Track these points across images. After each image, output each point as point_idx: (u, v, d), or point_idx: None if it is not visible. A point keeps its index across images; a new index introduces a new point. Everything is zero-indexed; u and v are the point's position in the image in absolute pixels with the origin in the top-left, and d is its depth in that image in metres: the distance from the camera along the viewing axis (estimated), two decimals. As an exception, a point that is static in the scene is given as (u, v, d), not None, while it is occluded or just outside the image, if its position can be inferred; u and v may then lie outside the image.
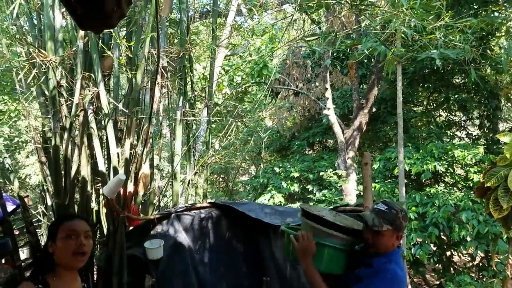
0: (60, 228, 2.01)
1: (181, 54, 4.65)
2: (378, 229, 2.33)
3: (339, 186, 10.05)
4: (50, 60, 3.70)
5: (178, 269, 4.24)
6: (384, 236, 2.34)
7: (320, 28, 10.38)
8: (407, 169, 8.44)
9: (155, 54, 4.20)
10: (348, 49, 10.41)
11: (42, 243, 4.65)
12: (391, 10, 4.10)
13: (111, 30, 4.07)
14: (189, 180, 4.88)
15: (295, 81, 12.34)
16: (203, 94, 5.46)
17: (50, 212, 4.71)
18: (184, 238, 4.37)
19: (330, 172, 9.98)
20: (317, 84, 12.19)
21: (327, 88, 10.38)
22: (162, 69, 4.39)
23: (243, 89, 11.62)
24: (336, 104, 11.75)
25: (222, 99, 10.11)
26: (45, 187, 4.42)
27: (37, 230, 4.42)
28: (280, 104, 12.71)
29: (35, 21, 4.33)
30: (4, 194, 4.42)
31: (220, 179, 14.32)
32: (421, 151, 8.90)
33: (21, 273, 4.34)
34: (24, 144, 10.62)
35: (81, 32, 3.97)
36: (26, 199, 4.46)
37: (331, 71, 11.69)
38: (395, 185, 8.80)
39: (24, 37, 4.15)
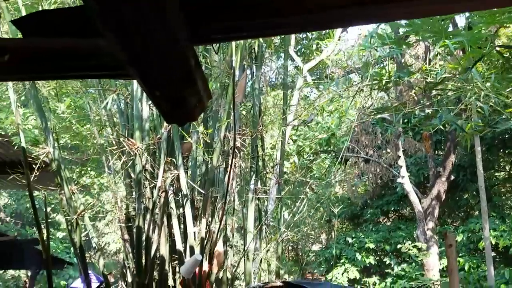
0: None
1: (254, 135, 4.89)
2: None
3: (420, 260, 9.41)
4: (138, 147, 4.07)
5: None
6: None
7: (388, 95, 10.35)
8: (494, 242, 7.77)
9: (230, 137, 4.45)
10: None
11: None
12: (464, 85, 4.05)
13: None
14: (261, 258, 4.89)
15: (364, 148, 12.18)
16: (274, 171, 5.61)
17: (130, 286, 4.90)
18: (257, 317, 4.32)
19: (409, 244, 9.41)
20: (388, 150, 11.95)
21: (399, 156, 10.10)
22: (236, 150, 4.61)
23: (311, 158, 11.68)
24: (411, 171, 11.34)
25: (290, 168, 10.19)
26: (126, 264, 4.64)
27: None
28: (350, 170, 12.53)
29: (122, 108, 4.82)
30: (90, 271, 4.73)
31: (290, 247, 14.01)
32: (507, 221, 8.20)
33: None
34: (105, 214, 11.30)
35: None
36: (109, 276, 4.71)
37: (403, 139, 11.44)
38: (482, 260, 8.10)
39: (116, 128, 4.63)
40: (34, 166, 4.24)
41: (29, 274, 6.90)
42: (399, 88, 8.83)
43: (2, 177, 5.44)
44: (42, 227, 4.55)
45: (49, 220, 9.82)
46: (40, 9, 4.59)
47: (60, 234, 12.20)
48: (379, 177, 11.96)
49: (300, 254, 13.30)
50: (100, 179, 9.71)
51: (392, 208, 12.06)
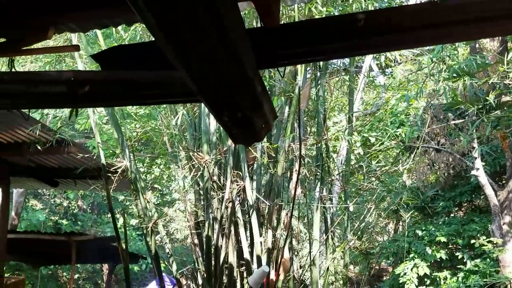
0: None
1: (319, 143, 4.86)
2: None
3: (495, 256, 8.90)
4: (206, 160, 4.23)
5: None
6: None
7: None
8: None
9: (295, 147, 4.47)
10: (496, 101, 9.50)
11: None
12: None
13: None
14: (327, 267, 4.91)
15: (435, 136, 11.59)
16: (339, 178, 5.54)
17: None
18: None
19: (483, 239, 8.92)
20: (461, 139, 11.27)
21: (474, 147, 9.51)
22: (300, 158, 4.62)
23: (378, 148, 11.34)
24: (486, 160, 10.63)
25: (355, 159, 9.98)
26: (196, 267, 4.90)
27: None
28: (419, 159, 12.01)
29: (190, 122, 5.00)
30: (163, 274, 5.04)
31: (355, 242, 13.82)
32: None
33: None
34: (173, 202, 11.75)
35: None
36: (181, 279, 5.00)
37: (477, 126, 10.72)
38: None
39: (185, 143, 4.84)
40: (112, 176, 4.56)
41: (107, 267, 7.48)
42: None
43: (82, 181, 5.92)
44: (118, 224, 4.91)
45: (125, 210, 10.52)
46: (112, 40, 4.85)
47: (133, 221, 12.93)
48: (451, 167, 11.37)
49: (366, 244, 13.09)
50: (169, 172, 10.15)
51: (465, 200, 11.41)
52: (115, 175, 4.45)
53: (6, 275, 6.86)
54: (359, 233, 5.53)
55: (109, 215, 11.60)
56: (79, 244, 5.55)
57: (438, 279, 9.28)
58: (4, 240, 4.15)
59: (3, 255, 4.06)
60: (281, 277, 4.60)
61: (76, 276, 12.40)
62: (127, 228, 12.17)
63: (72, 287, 5.67)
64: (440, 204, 11.33)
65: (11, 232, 5.59)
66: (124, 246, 4.50)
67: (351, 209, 6.33)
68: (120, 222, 4.96)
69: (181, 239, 13.94)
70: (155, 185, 9.50)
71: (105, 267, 10.26)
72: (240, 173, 4.44)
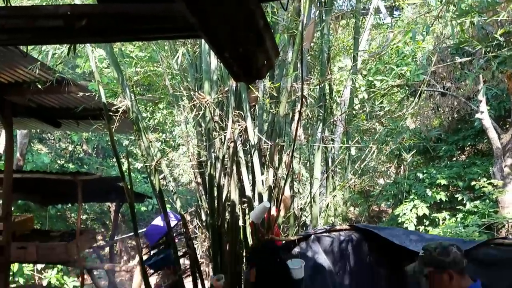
0: None
1: (322, 83, 4.77)
2: (421, 274, 2.36)
3: (494, 197, 9.04)
4: (207, 100, 4.19)
5: (320, 289, 4.40)
6: (435, 280, 2.33)
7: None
8: None
9: (297, 87, 4.40)
10: (505, 40, 9.21)
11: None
12: None
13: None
14: (327, 203, 5.00)
15: (441, 80, 11.41)
16: (342, 118, 5.50)
17: (204, 224, 5.33)
18: (324, 259, 4.51)
19: (484, 181, 9.02)
20: (467, 82, 11.09)
21: (479, 90, 9.37)
22: (303, 98, 4.57)
23: (383, 92, 11.19)
24: (491, 104, 10.52)
25: (359, 103, 9.90)
26: (200, 204, 5.02)
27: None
28: (424, 103, 11.90)
29: (190, 60, 4.90)
30: (168, 211, 5.18)
31: (355, 181, 14.01)
32: None
33: (182, 281, 5.04)
34: (177, 147, 11.88)
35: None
36: (185, 215, 5.14)
37: (484, 68, 10.49)
38: None
39: (187, 83, 4.76)
40: (114, 116, 4.54)
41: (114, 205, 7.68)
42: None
43: (85, 122, 5.94)
44: (123, 165, 4.97)
45: (129, 154, 10.64)
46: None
47: (138, 165, 13.13)
48: (456, 111, 11.28)
49: (367, 187, 13.29)
50: (172, 117, 10.17)
51: (468, 144, 11.43)
52: (116, 114, 4.44)
53: (15, 214, 7.10)
54: (359, 172, 5.56)
55: (114, 159, 11.76)
56: (85, 184, 5.66)
57: (437, 219, 9.49)
58: (10, 179, 4.22)
59: (9, 193, 4.16)
60: (282, 213, 4.71)
61: (84, 217, 12.81)
62: (132, 171, 12.41)
63: (80, 227, 5.84)
64: (443, 148, 11.37)
65: (17, 172, 5.69)
66: (129, 185, 4.58)
67: (352, 151, 6.36)
68: (125, 166, 5.09)
69: (185, 182, 14.23)
70: (158, 129, 9.54)
71: (113, 208, 10.57)
72: (242, 113, 4.42)
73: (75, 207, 10.55)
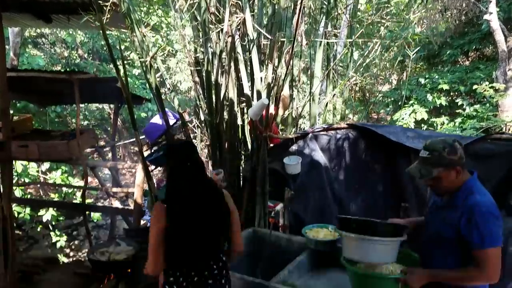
0: None
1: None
2: (430, 176, 2.34)
3: (495, 101, 8.99)
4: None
5: (315, 184, 4.55)
6: (442, 178, 2.33)
7: None
8: None
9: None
10: None
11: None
12: None
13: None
14: (327, 102, 4.95)
15: (452, -21, 10.75)
16: (346, 12, 5.19)
17: (203, 124, 5.34)
18: (320, 156, 4.61)
19: (486, 85, 8.89)
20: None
21: (491, -12, 8.86)
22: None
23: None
24: (500, 6, 10.00)
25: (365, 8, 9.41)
26: (198, 104, 4.97)
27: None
28: (432, 6, 11.32)
29: None
30: (166, 109, 5.14)
31: (357, 88, 13.83)
32: None
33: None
34: (174, 52, 11.58)
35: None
36: (184, 114, 5.12)
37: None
38: None
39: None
40: (104, 8, 4.30)
41: (112, 107, 7.65)
42: None
43: (75, 18, 5.67)
44: (118, 63, 4.84)
45: (124, 58, 10.38)
46: None
47: (135, 71, 12.90)
48: (464, 13, 10.79)
49: (368, 94, 13.18)
50: (167, 19, 9.72)
51: (473, 47, 11.09)
52: (107, 4, 4.19)
53: (14, 115, 7.09)
54: (361, 70, 5.43)
55: (111, 65, 11.50)
56: (82, 83, 5.57)
57: (435, 124, 9.55)
58: (3, 77, 4.11)
59: (5, 91, 4.07)
60: (280, 112, 4.69)
61: (85, 122, 12.92)
62: (130, 77, 12.23)
63: (80, 127, 5.86)
64: (447, 52, 11.07)
65: (11, 70, 5.55)
66: (125, 83, 4.48)
67: (355, 56, 6.16)
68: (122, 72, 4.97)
69: (184, 90, 14.12)
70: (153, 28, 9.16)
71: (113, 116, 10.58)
72: (240, 3, 4.17)
73: (74, 112, 10.55)
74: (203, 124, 5.28)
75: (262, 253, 3.52)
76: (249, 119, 4.59)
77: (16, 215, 8.15)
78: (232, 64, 4.49)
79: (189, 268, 2.41)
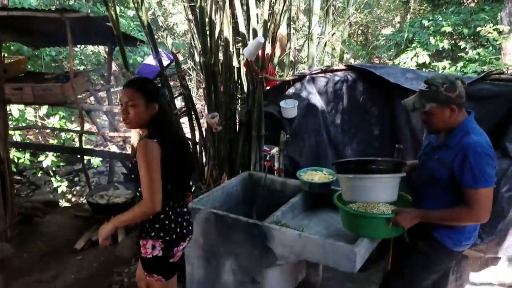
0: None
1: None
2: (422, 110, 2.31)
3: (498, 44, 8.76)
4: None
5: (311, 127, 4.51)
6: (434, 115, 2.30)
7: None
8: None
9: None
10: None
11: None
12: None
13: None
14: (326, 42, 4.79)
15: None
16: None
17: (198, 67, 5.20)
18: (317, 99, 4.53)
19: (490, 27, 8.62)
20: None
21: None
22: None
23: None
24: None
25: None
26: (193, 44, 4.82)
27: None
28: None
29: None
30: (159, 49, 4.99)
31: (359, 31, 13.47)
32: None
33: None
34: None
35: None
36: (178, 54, 4.97)
37: None
38: None
39: None
40: None
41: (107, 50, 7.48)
42: None
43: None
44: (110, 4, 4.65)
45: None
46: None
47: (130, 12, 12.45)
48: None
49: (369, 38, 12.84)
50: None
51: (481, -13, 10.67)
52: None
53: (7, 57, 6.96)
54: (362, 7, 5.21)
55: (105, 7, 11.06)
56: (74, 23, 5.40)
57: (436, 68, 9.38)
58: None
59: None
60: (277, 52, 4.55)
61: (81, 67, 12.67)
62: (124, 18, 11.85)
63: (73, 68, 5.74)
64: (453, -9, 10.65)
65: (1, 9, 5.36)
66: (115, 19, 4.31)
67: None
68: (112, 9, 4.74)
69: (181, 34, 13.72)
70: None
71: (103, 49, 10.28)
72: None
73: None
74: (198, 67, 5.15)
75: (257, 196, 3.54)
76: (245, 60, 4.46)
77: (16, 160, 8.20)
78: (227, 0, 4.28)
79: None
